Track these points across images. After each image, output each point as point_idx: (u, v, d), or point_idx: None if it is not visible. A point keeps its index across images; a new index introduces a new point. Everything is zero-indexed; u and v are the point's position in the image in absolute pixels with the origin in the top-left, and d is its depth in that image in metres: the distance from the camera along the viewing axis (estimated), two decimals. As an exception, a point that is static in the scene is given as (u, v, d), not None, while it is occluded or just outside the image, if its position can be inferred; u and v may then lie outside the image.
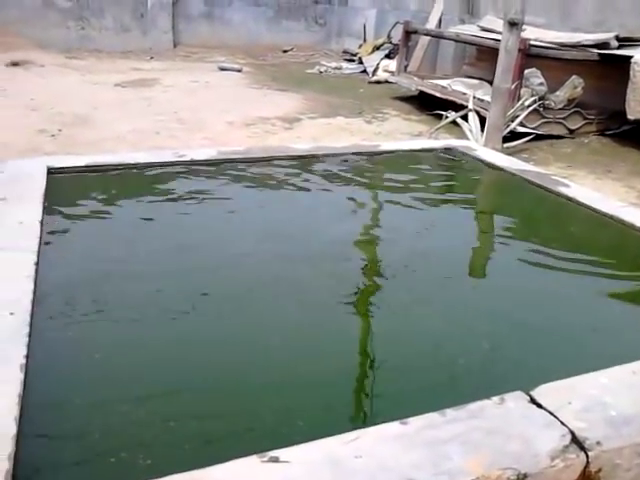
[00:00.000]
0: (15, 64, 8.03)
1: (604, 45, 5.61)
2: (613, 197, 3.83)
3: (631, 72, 5.05)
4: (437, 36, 7.95)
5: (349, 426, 1.13)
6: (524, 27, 5.43)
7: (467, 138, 4.88)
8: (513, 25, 4.33)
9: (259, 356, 1.47)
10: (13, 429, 1.10)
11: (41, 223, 2.01)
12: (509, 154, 4.20)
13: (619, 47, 5.55)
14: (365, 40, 10.44)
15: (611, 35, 5.63)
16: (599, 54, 5.57)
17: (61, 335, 1.49)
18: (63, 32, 9.94)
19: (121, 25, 10.32)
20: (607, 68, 5.58)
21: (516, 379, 1.37)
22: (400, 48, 7.67)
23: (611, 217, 2.38)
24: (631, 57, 5.10)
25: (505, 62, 4.48)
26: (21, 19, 9.61)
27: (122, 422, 1.22)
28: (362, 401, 1.37)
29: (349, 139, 5.20)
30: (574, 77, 5.70)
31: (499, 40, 4.74)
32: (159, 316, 1.61)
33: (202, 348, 1.50)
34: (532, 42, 5.59)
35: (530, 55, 5.50)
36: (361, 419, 1.29)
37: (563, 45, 5.86)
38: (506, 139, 5.07)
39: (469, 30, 7.17)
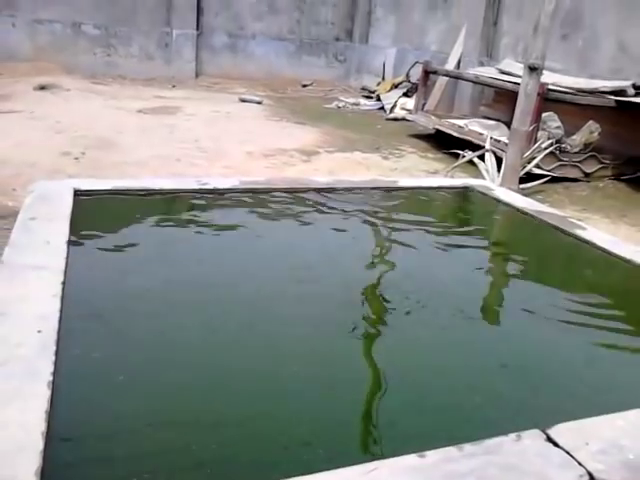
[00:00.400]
0: (43, 88, 8.24)
1: (621, 92, 5.68)
2: (629, 241, 3.85)
3: (648, 119, 5.11)
4: (456, 77, 8.09)
5: (367, 456, 1.14)
6: (543, 72, 5.53)
7: (483, 178, 4.93)
8: (533, 70, 4.42)
9: (284, 385, 1.49)
10: (40, 444, 1.13)
11: (67, 243, 2.06)
12: (525, 195, 4.25)
13: (636, 95, 5.63)
14: (384, 78, 10.62)
15: (628, 83, 5.71)
16: (616, 101, 5.65)
17: (86, 354, 1.52)
18: (90, 58, 10.23)
19: (146, 53, 10.60)
20: (623, 115, 5.65)
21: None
22: (419, 87, 7.80)
23: (628, 261, 2.39)
24: (648, 105, 5.17)
25: (524, 105, 4.56)
26: (52, 45, 9.92)
27: (143, 443, 1.24)
28: (380, 432, 1.39)
29: (366, 174, 5.27)
30: (591, 122, 5.78)
31: (518, 83, 4.83)
32: (181, 339, 1.64)
33: (221, 373, 1.53)
34: (550, 87, 5.68)
35: (548, 99, 5.58)
36: (380, 450, 1.30)
37: (581, 91, 5.95)
38: (522, 180, 5.12)
39: (488, 72, 7.29)
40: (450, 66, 8.71)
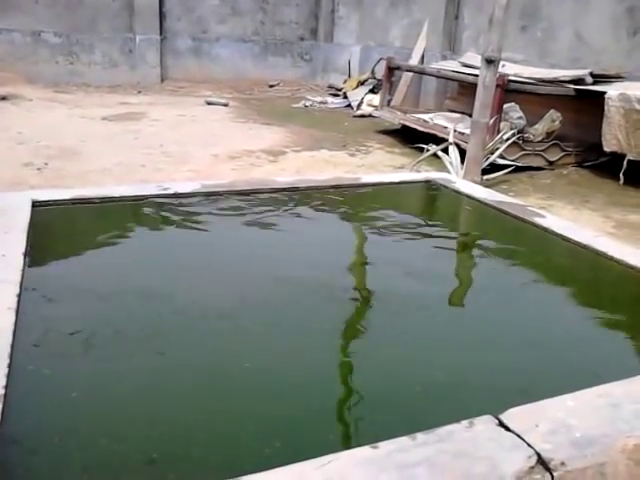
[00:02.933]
0: (3, 98, 8.11)
1: (580, 81, 5.79)
2: (591, 227, 3.93)
3: (605, 107, 5.21)
4: (419, 72, 8.16)
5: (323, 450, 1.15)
6: (504, 63, 5.62)
7: (448, 171, 4.99)
8: (490, 62, 4.48)
9: (241, 382, 1.49)
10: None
11: (24, 255, 2.03)
12: (489, 186, 4.31)
13: (594, 83, 5.74)
14: (350, 75, 10.66)
15: (586, 72, 5.82)
16: (575, 89, 5.75)
17: (40, 369, 1.50)
18: (52, 67, 10.09)
19: (110, 60, 10.49)
20: (583, 103, 5.76)
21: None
22: (383, 83, 7.85)
23: (585, 246, 2.44)
24: (605, 93, 5.27)
25: (483, 97, 4.62)
26: (11, 54, 9.75)
27: (99, 455, 1.23)
28: (339, 425, 1.40)
29: (332, 171, 5.29)
30: (552, 111, 5.87)
31: (478, 76, 4.89)
32: (143, 353, 1.62)
33: (182, 374, 1.53)
34: (511, 77, 5.76)
35: (509, 90, 5.66)
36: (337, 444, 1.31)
37: (541, 80, 6.05)
38: (487, 171, 5.19)
39: (450, 66, 7.37)
40: (414, 61, 8.78)
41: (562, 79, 5.94)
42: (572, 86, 5.79)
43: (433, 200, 3.18)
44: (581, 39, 6.65)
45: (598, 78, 5.81)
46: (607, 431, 1.20)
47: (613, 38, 6.33)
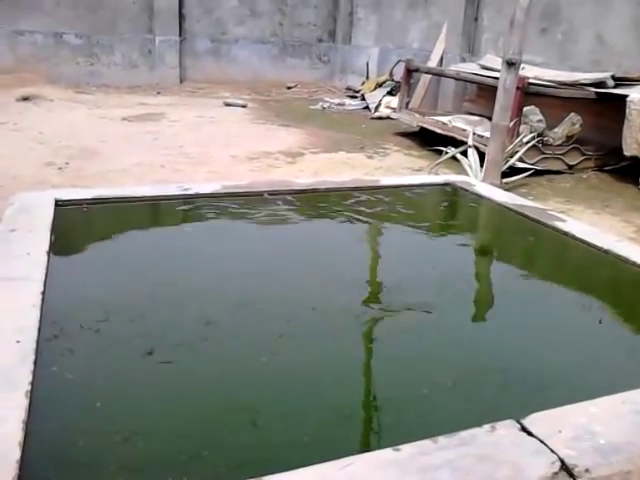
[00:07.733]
0: (25, 99, 8.22)
1: (601, 84, 5.73)
2: (611, 232, 3.88)
3: (627, 110, 5.16)
4: (438, 74, 8.13)
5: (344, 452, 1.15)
6: (523, 66, 5.58)
7: (466, 173, 4.96)
8: (511, 65, 4.45)
9: (263, 387, 1.50)
10: (17, 454, 1.13)
11: (48, 254, 2.06)
12: (508, 189, 4.29)
13: (615, 86, 5.68)
14: (368, 77, 10.65)
15: (607, 75, 5.76)
16: (596, 92, 5.69)
17: (64, 365, 1.52)
18: (73, 68, 10.20)
19: (129, 61, 10.58)
20: (604, 106, 5.70)
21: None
22: (402, 85, 7.83)
23: (606, 251, 2.42)
24: (627, 96, 5.21)
25: (503, 100, 4.59)
26: (34, 56, 9.89)
27: (124, 451, 1.25)
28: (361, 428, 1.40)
29: (350, 173, 5.29)
30: (572, 114, 5.82)
31: (498, 78, 4.86)
32: (164, 352, 1.64)
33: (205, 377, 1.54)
34: (531, 80, 5.72)
35: (529, 93, 5.62)
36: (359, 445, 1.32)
37: (561, 83, 5.99)
38: (505, 174, 5.15)
39: (469, 68, 7.33)
40: (432, 63, 8.74)
41: (583, 82, 5.88)
42: (593, 89, 5.73)
43: (453, 203, 3.17)
44: (602, 41, 6.58)
45: (620, 81, 5.74)
46: (632, 439, 1.19)
47: (635, 40, 6.26)
